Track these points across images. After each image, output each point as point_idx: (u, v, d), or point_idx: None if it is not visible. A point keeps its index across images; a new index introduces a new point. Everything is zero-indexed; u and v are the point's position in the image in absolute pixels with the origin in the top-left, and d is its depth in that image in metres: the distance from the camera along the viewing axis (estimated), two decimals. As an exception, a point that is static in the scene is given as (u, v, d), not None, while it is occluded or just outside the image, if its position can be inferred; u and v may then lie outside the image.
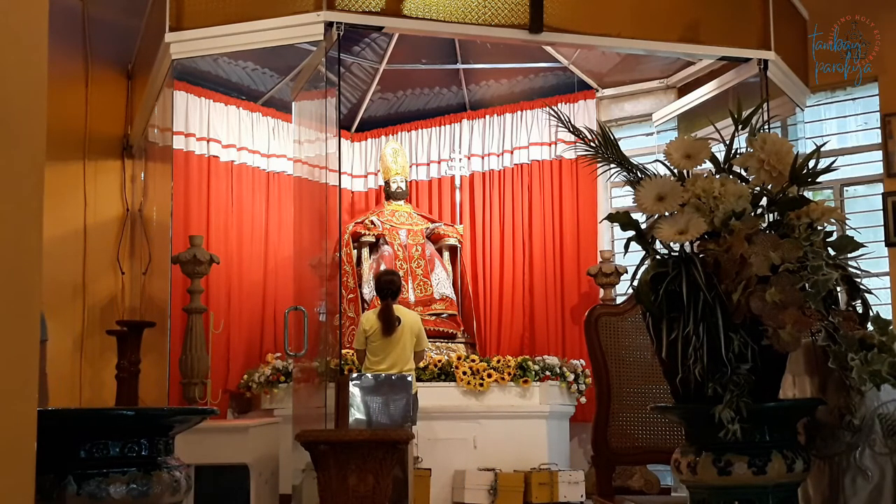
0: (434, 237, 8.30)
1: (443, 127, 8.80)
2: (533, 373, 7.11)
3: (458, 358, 7.26)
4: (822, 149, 2.70)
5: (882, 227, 6.72)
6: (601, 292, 7.68)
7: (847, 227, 3.19)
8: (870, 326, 2.56)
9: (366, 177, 9.02)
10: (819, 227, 2.54)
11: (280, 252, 7.79)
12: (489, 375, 7.05)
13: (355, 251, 8.14)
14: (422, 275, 8.02)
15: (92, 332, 6.76)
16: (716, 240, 2.54)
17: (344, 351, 6.50)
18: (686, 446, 2.66)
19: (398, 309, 6.52)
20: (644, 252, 2.71)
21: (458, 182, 8.70)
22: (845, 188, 7.16)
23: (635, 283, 2.72)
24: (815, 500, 2.72)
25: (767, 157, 2.58)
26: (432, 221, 8.43)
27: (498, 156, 8.52)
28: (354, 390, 5.73)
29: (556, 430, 7.22)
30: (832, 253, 2.52)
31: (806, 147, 6.64)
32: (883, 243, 6.71)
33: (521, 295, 8.15)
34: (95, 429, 2.22)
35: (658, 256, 2.66)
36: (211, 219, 7.47)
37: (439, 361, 7.17)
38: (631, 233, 2.72)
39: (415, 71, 8.47)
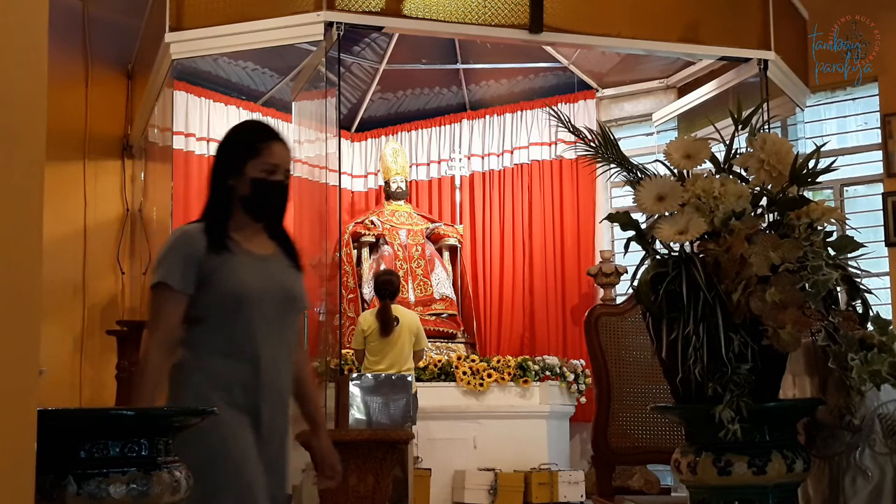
0: (434, 237, 8.30)
1: (443, 127, 8.80)
2: (533, 373, 7.11)
3: (458, 358, 7.26)
4: (822, 149, 2.70)
5: (882, 227, 6.72)
6: (601, 292, 7.68)
7: (847, 227, 3.18)
8: (870, 326, 2.57)
9: (366, 177, 9.02)
10: (819, 227, 2.54)
11: (280, 252, 7.78)
12: (489, 375, 7.05)
13: (355, 251, 8.14)
14: (422, 275, 8.02)
15: (92, 332, 6.76)
16: (716, 240, 2.55)
17: (344, 351, 6.50)
18: (686, 446, 2.66)
19: (396, 309, 6.52)
20: (644, 252, 2.71)
21: (458, 182, 8.70)
22: (845, 188, 7.16)
23: (635, 283, 2.72)
24: (815, 500, 2.72)
25: (767, 157, 2.58)
26: (432, 221, 8.42)
27: (498, 156, 8.52)
28: (354, 390, 5.73)
29: (556, 430, 7.22)
30: (832, 253, 2.53)
31: (806, 147, 6.64)
32: (883, 243, 6.71)
33: (521, 295, 8.15)
34: (95, 429, 2.22)
35: (658, 256, 2.66)
36: (211, 219, 7.46)
37: (439, 361, 7.17)
38: (631, 233, 2.72)
39: (415, 71, 8.47)
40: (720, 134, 2.89)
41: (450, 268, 8.31)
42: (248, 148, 2.71)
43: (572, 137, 3.01)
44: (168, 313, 2.56)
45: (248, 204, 2.70)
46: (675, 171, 2.72)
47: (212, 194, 2.75)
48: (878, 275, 6.19)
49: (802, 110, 7.12)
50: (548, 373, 7.16)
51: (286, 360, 2.67)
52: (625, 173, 2.86)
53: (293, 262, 2.80)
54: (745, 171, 2.68)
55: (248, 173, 2.68)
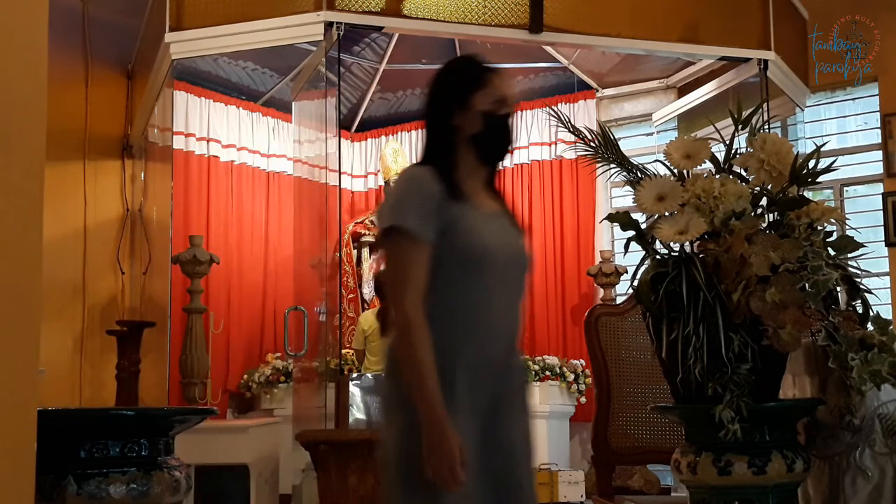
0: (434, 237, 8.30)
1: (443, 127, 8.79)
2: (533, 373, 7.10)
3: (458, 358, 7.26)
4: (822, 149, 2.71)
5: (882, 227, 6.72)
6: (601, 292, 7.68)
7: (847, 227, 3.18)
8: (870, 326, 2.57)
9: (366, 177, 9.02)
10: (819, 227, 2.54)
11: (280, 252, 7.79)
12: (489, 375, 7.05)
13: (355, 251, 8.14)
14: (422, 275, 8.02)
15: (92, 332, 6.75)
16: (716, 240, 2.55)
17: (344, 351, 6.50)
18: (686, 446, 2.66)
19: (398, 309, 6.52)
20: (644, 252, 2.71)
21: (458, 182, 8.69)
22: (845, 188, 7.15)
23: (635, 283, 2.72)
24: (815, 500, 2.72)
25: (767, 157, 2.58)
26: (432, 221, 8.42)
27: (498, 156, 8.51)
28: (354, 390, 5.73)
29: (556, 430, 7.22)
30: (832, 253, 2.53)
31: (806, 147, 6.64)
32: (883, 243, 6.71)
33: (521, 295, 8.14)
34: (95, 429, 2.22)
35: (658, 256, 2.66)
36: (211, 219, 7.47)
37: (439, 361, 7.17)
38: (631, 233, 2.73)
39: (415, 71, 8.46)
40: (720, 134, 2.89)
41: (450, 268, 8.31)
42: (474, 78, 2.32)
43: (572, 137, 3.01)
44: (418, 265, 2.13)
45: (479, 142, 2.30)
46: (675, 171, 2.72)
47: (432, 137, 2.32)
48: (878, 275, 6.18)
49: (802, 110, 7.12)
50: (548, 373, 7.15)
51: (518, 336, 2.30)
52: (625, 173, 2.86)
53: (515, 221, 2.42)
54: (745, 171, 2.68)
55: (477, 107, 2.29)
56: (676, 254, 2.63)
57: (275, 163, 8.11)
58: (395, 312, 2.15)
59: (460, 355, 2.14)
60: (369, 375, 5.96)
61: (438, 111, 2.32)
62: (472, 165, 2.30)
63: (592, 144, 2.90)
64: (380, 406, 2.31)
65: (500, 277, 2.21)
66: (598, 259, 7.79)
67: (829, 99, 7.30)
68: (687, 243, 2.61)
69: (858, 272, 2.61)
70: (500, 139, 2.37)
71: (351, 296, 7.86)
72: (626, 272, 7.43)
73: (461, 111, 2.29)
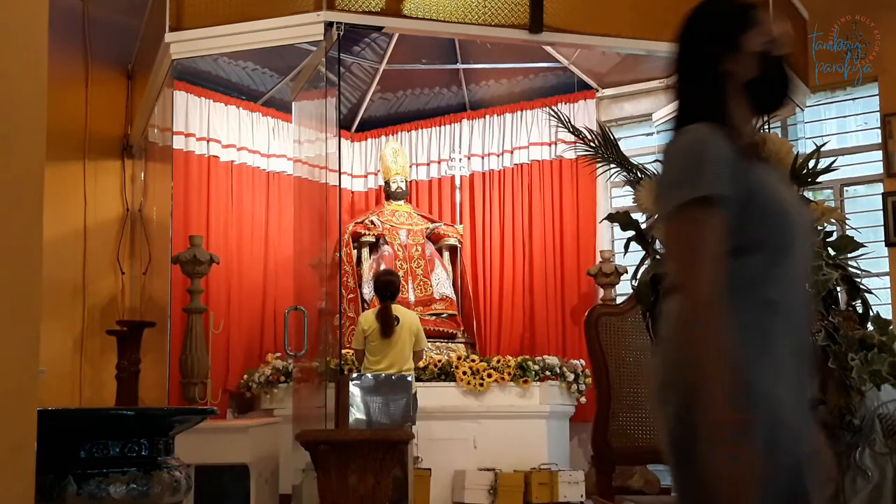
0: (434, 237, 8.30)
1: (443, 127, 8.80)
2: (533, 373, 7.11)
3: (458, 358, 7.26)
4: (822, 149, 2.71)
5: (882, 227, 6.72)
6: (601, 292, 7.68)
7: (847, 227, 3.19)
8: (870, 326, 2.57)
9: (366, 177, 9.02)
10: (819, 228, 2.54)
11: (280, 252, 7.79)
12: (489, 375, 7.05)
13: (355, 251, 8.14)
14: (422, 275, 8.02)
15: (92, 332, 6.76)
16: (716, 240, 2.55)
17: (344, 351, 6.50)
18: (686, 446, 2.66)
19: (397, 309, 6.52)
20: (644, 252, 2.71)
21: (458, 182, 8.70)
22: (845, 188, 7.16)
23: (635, 283, 2.72)
24: (815, 500, 2.72)
25: (767, 157, 2.59)
26: (432, 221, 8.42)
27: (498, 156, 8.52)
28: (354, 390, 5.73)
29: (556, 430, 7.22)
30: (832, 253, 2.53)
31: (806, 147, 6.64)
32: (883, 243, 6.71)
33: (521, 295, 8.15)
34: (95, 429, 2.22)
35: (658, 256, 2.67)
36: (211, 219, 7.47)
37: (439, 361, 7.17)
38: (631, 233, 2.73)
39: (415, 71, 8.47)
40: (720, 134, 2.89)
41: (450, 268, 8.31)
42: (740, 17, 1.98)
43: (572, 137, 3.02)
44: (717, 241, 1.78)
45: (757, 89, 1.94)
46: (675, 171, 2.72)
47: (699, 88, 1.96)
48: (878, 275, 6.18)
49: (802, 110, 7.12)
50: (548, 373, 7.16)
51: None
52: (625, 173, 2.86)
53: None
54: (745, 171, 2.68)
55: (748, 48, 1.94)
56: (676, 254, 2.63)
57: (275, 163, 8.12)
58: (685, 299, 1.78)
59: (775, 343, 1.80)
60: (369, 375, 5.96)
61: (704, 57, 1.96)
62: (745, 118, 1.96)
63: (592, 144, 2.90)
64: (668, 435, 1.87)
65: (802, 250, 1.88)
66: (598, 259, 7.80)
67: (829, 99, 7.30)
68: (687, 243, 2.61)
69: (858, 272, 2.61)
70: (779, 83, 2.00)
71: (351, 296, 7.86)
72: (626, 272, 7.43)
73: (730, 55, 1.94)
